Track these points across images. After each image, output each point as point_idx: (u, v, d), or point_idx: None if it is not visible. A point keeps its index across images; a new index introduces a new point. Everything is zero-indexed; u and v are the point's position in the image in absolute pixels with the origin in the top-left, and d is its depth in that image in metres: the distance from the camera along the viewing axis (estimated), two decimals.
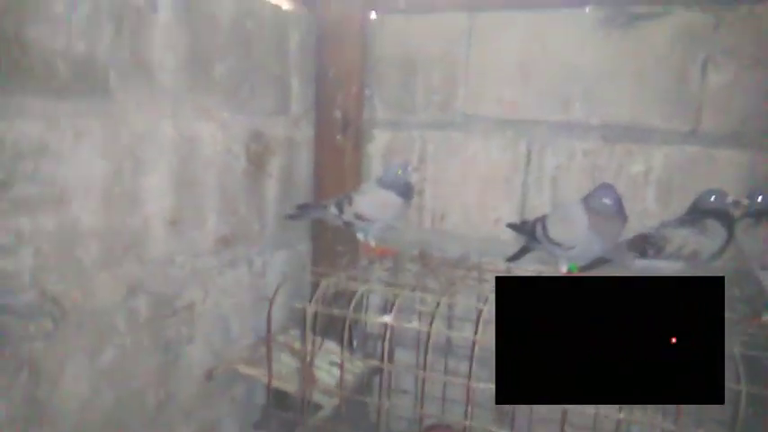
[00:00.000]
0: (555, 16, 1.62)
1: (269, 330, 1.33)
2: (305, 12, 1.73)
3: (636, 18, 1.55)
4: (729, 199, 1.38)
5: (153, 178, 1.26)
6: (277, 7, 1.62)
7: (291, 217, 1.70)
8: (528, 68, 1.68)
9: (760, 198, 1.30)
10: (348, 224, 1.64)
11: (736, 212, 1.37)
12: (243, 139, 1.54)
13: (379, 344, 1.80)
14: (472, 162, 1.78)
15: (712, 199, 1.39)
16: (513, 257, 1.60)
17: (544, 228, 1.51)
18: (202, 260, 1.45)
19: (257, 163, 1.60)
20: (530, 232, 1.53)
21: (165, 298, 1.35)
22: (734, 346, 1.10)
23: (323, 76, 1.81)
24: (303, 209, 1.72)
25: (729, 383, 0.99)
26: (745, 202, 1.32)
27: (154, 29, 1.21)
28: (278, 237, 1.75)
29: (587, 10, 1.59)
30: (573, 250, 1.46)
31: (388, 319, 1.20)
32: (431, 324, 1.21)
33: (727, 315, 1.39)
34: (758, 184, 1.42)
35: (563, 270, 1.52)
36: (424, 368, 1.28)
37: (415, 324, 1.24)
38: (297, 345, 1.53)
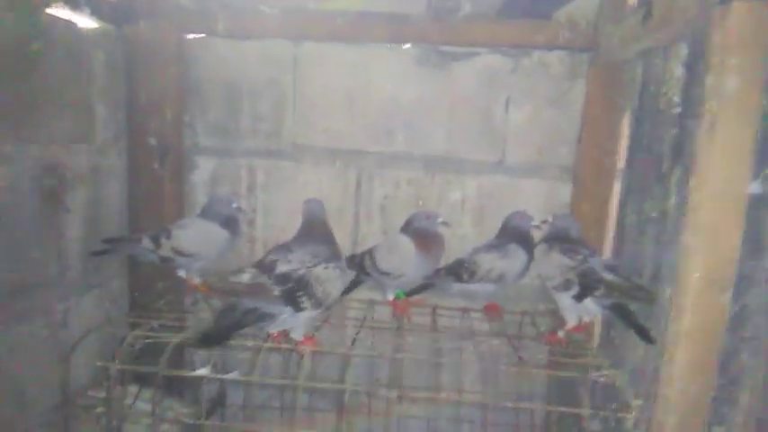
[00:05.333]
0: (378, 51, 1.67)
1: (65, 399, 1.15)
2: (111, 30, 1.57)
3: (446, 57, 1.66)
4: (534, 222, 1.53)
5: None
6: (72, 24, 1.43)
7: (96, 254, 1.52)
8: (354, 100, 1.71)
9: (551, 220, 1.47)
10: (165, 260, 1.51)
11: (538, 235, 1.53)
12: (32, 173, 1.33)
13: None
14: (303, 191, 1.75)
15: (516, 221, 1.54)
16: (345, 291, 1.60)
17: (372, 260, 1.53)
18: None
19: (52, 199, 1.40)
20: (359, 265, 1.55)
21: None
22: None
23: (135, 99, 1.65)
24: (112, 244, 1.54)
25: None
26: (550, 219, 1.48)
27: None
28: (84, 278, 1.55)
29: (405, 47, 1.66)
30: (403, 278, 1.51)
31: (204, 371, 1.11)
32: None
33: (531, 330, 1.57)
34: (555, 211, 1.60)
35: (390, 298, 1.56)
36: None
37: (234, 375, 1.16)
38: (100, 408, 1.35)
